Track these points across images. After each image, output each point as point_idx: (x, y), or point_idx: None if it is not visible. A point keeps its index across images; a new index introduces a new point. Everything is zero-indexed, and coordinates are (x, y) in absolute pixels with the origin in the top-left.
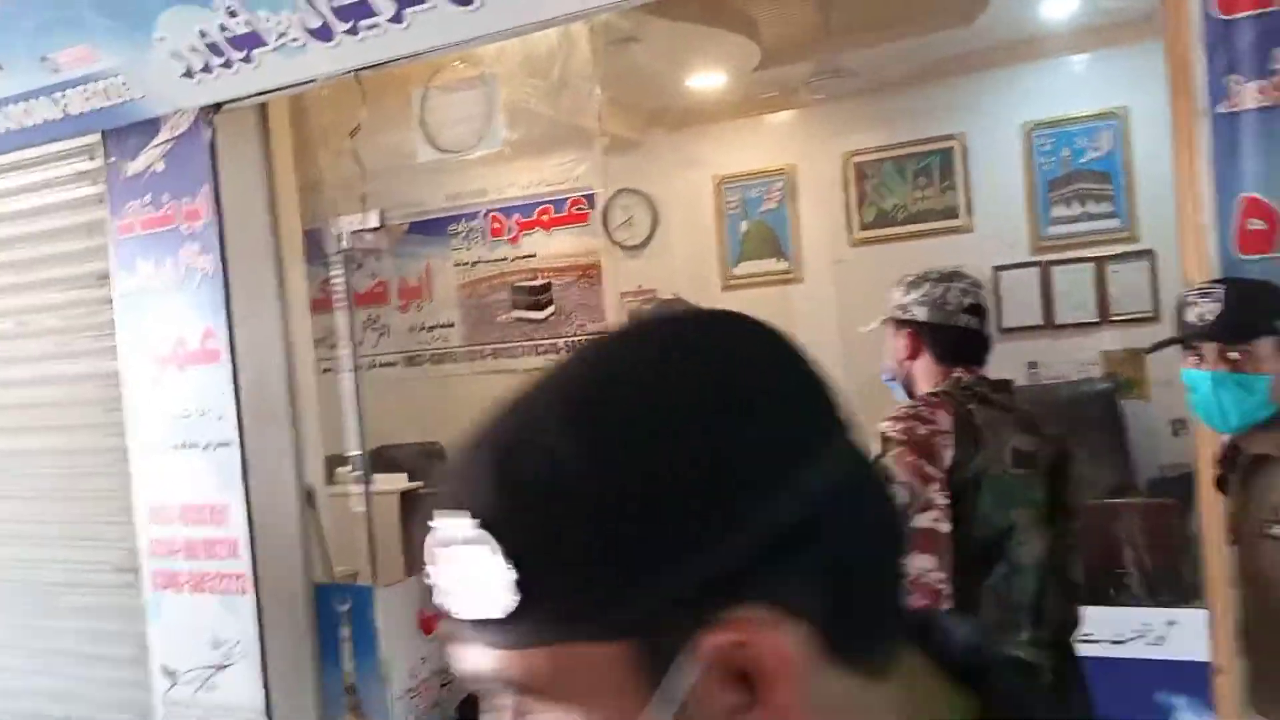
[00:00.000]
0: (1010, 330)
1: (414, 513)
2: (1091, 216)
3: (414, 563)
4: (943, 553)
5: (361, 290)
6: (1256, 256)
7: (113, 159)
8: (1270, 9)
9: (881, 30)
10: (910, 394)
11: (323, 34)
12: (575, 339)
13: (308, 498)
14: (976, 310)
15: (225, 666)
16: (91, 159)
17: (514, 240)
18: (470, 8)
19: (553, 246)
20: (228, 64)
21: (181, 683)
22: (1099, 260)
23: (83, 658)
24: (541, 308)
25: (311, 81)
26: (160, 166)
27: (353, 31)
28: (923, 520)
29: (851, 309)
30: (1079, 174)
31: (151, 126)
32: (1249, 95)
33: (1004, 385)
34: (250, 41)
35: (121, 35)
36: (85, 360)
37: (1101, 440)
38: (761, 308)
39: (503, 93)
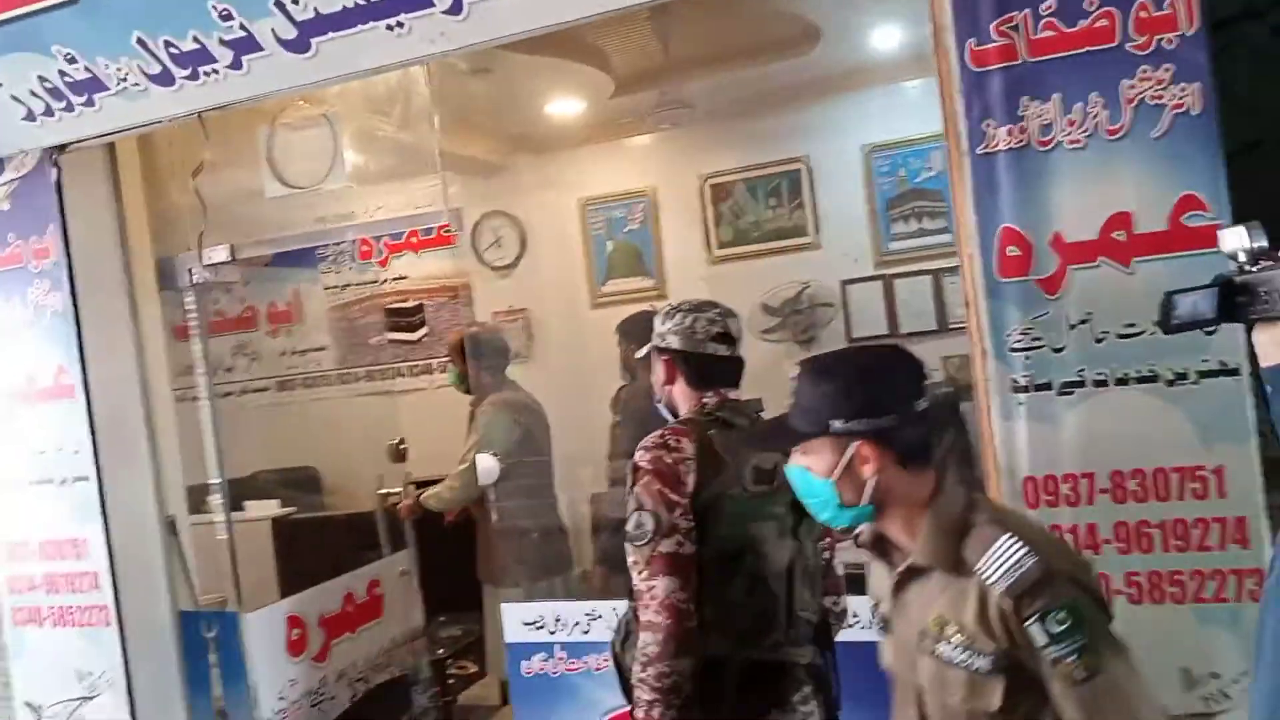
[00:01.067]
0: (859, 339)
1: (287, 537)
2: (927, 232)
3: (287, 586)
4: (686, 573)
5: (231, 315)
6: (1015, 279)
7: None
8: (1016, 62)
9: (723, 60)
10: (674, 415)
11: (164, 79)
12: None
13: (170, 527)
14: (724, 338)
15: (91, 698)
16: None
17: (383, 263)
18: (305, 55)
19: (423, 268)
20: (69, 107)
21: (46, 718)
22: (936, 273)
23: None
24: (414, 329)
25: (156, 123)
26: (6, 206)
27: (193, 77)
28: (666, 545)
29: None
30: (915, 192)
31: None
32: (1001, 139)
33: (752, 406)
34: (91, 86)
35: None
36: None
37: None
38: None
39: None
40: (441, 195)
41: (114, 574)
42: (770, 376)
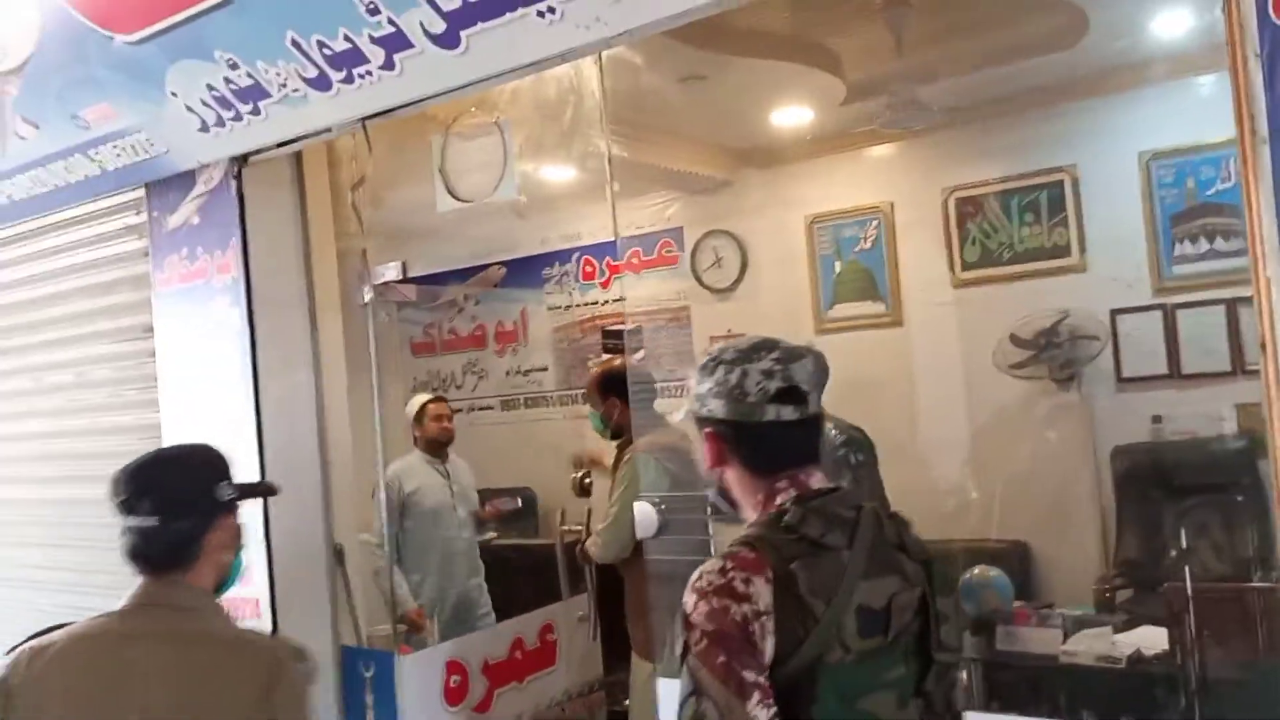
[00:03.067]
0: (1130, 380)
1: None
2: (1220, 254)
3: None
4: None
5: (464, 334)
6: None
7: (155, 213)
8: None
9: (971, 58)
10: (732, 508)
11: (320, 83)
12: (665, 384)
13: (337, 556)
14: (791, 395)
15: None
16: (138, 213)
17: (605, 284)
18: (456, 51)
19: (642, 289)
20: (238, 116)
21: None
22: (1230, 302)
23: None
24: (631, 352)
25: (326, 131)
26: (196, 220)
27: (349, 80)
28: None
29: (956, 353)
30: (1205, 207)
31: (188, 179)
32: None
33: (848, 500)
34: (254, 94)
35: (136, 92)
36: (132, 412)
37: (1238, 506)
38: (858, 352)
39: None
40: (655, 216)
41: (273, 602)
42: (1022, 420)
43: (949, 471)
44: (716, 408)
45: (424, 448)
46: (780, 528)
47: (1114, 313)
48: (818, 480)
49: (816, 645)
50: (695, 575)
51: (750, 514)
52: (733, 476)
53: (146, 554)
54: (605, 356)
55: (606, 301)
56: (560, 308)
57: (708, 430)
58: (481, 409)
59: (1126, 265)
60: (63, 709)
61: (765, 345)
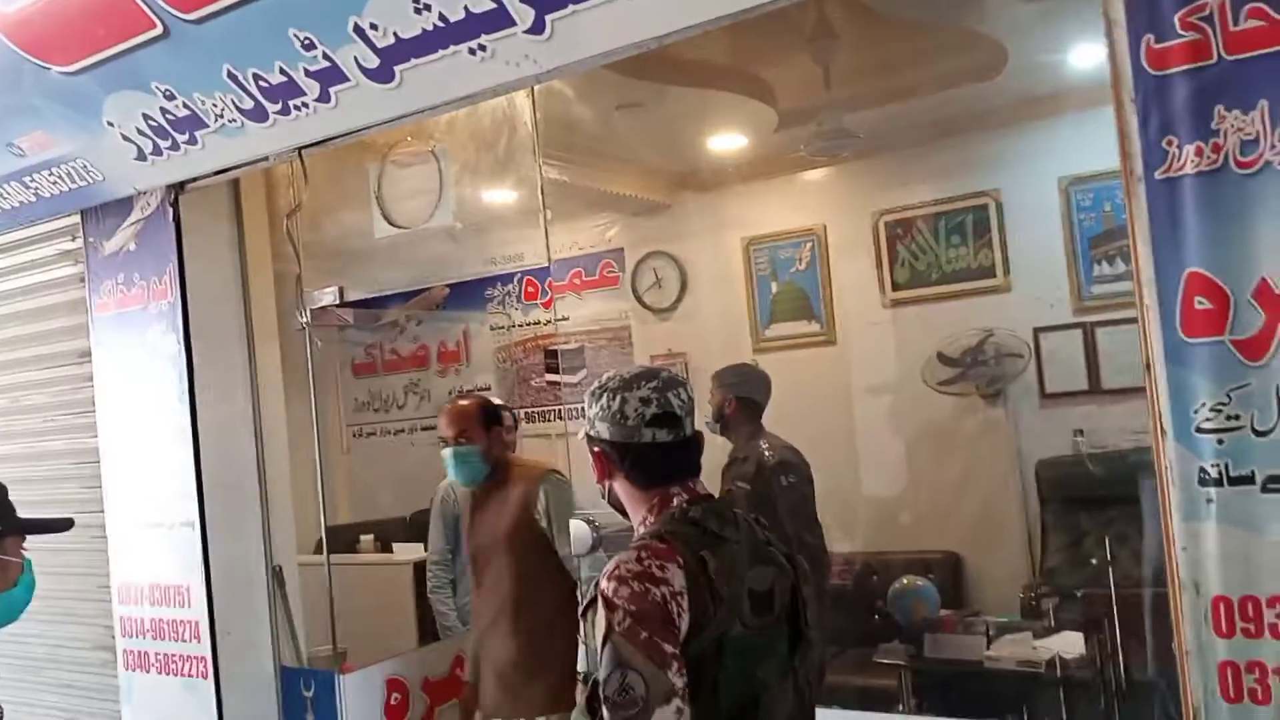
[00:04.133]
0: (1053, 396)
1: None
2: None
3: (425, 632)
4: None
5: (405, 354)
6: (1205, 339)
7: (91, 239)
8: (1209, 62)
9: (897, 88)
10: (624, 516)
11: (257, 114)
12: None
13: (276, 577)
14: (666, 420)
15: None
16: (73, 239)
17: (547, 304)
18: (390, 85)
19: (584, 310)
20: (175, 145)
21: None
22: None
23: None
24: (574, 371)
25: (261, 160)
26: (133, 246)
27: (284, 111)
28: (665, 714)
29: (888, 371)
30: (1122, 230)
31: (125, 206)
32: (1188, 159)
33: (726, 503)
34: (191, 124)
35: (73, 121)
36: (69, 436)
37: (1156, 516)
38: (794, 370)
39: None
40: (596, 237)
41: (213, 625)
42: (951, 435)
43: (883, 485)
44: (602, 430)
45: None
46: (686, 522)
47: (1037, 331)
48: (702, 489)
49: (723, 621)
50: (611, 565)
51: (639, 519)
52: (620, 489)
53: None
54: (549, 377)
55: (549, 322)
56: (503, 328)
57: (596, 449)
58: (425, 429)
59: (1048, 285)
60: None
61: (646, 375)
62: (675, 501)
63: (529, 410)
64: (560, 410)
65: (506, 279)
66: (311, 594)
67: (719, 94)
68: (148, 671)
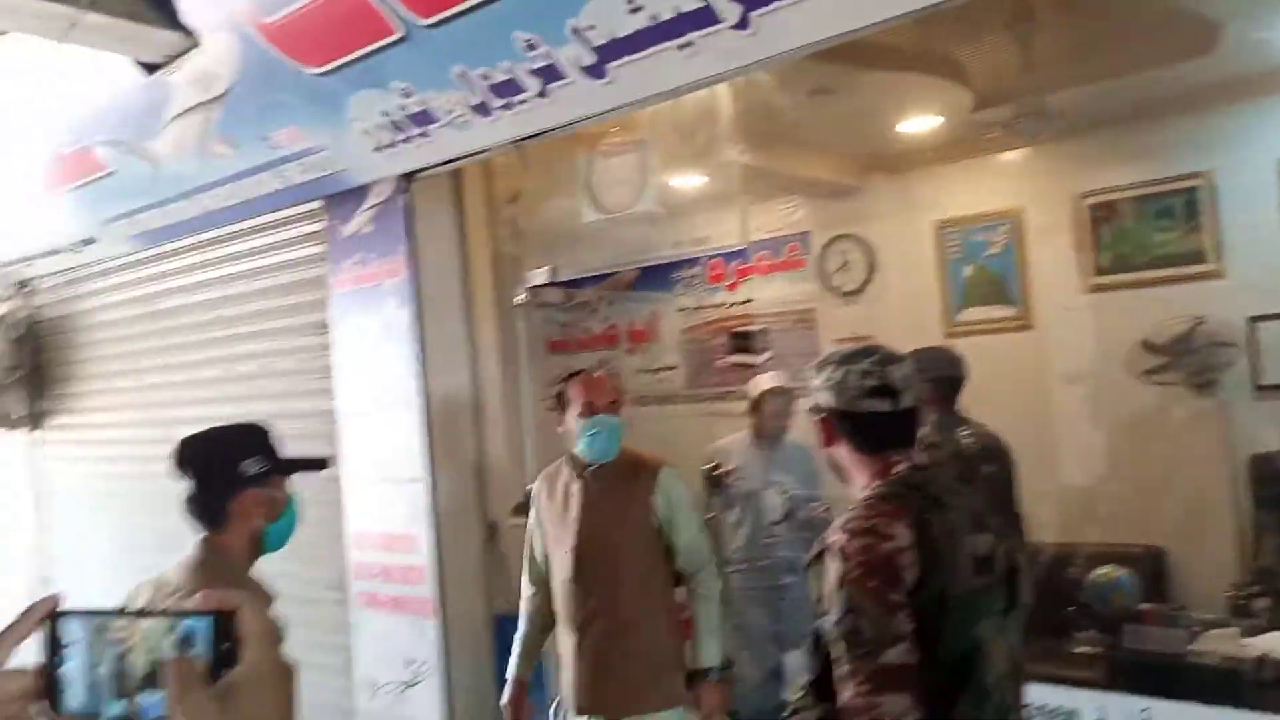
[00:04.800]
0: (1269, 388)
1: None
2: None
3: None
4: (916, 689)
5: (597, 333)
6: None
7: (332, 222)
8: None
9: (1101, 67)
10: (844, 481)
11: (482, 110)
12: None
13: (490, 531)
14: (883, 391)
15: (416, 683)
16: (316, 222)
17: (732, 287)
18: (603, 80)
19: (769, 292)
20: (408, 139)
21: (379, 695)
22: None
23: (302, 665)
24: (757, 353)
25: (482, 152)
26: (368, 229)
27: (507, 107)
28: (892, 655)
29: (1088, 358)
30: None
31: (361, 193)
32: None
33: (946, 474)
34: (425, 119)
35: (321, 117)
36: (310, 399)
37: None
38: (987, 356)
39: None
40: (782, 220)
41: (439, 571)
42: (1156, 427)
43: (1080, 475)
44: (826, 399)
45: (756, 431)
46: (908, 486)
47: (1252, 320)
48: (920, 458)
49: (945, 578)
50: (842, 521)
51: (861, 483)
52: (843, 454)
53: (188, 516)
54: (732, 358)
55: (734, 304)
56: (689, 309)
57: (820, 417)
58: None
59: (1265, 272)
60: None
61: (866, 351)
62: (897, 468)
63: (714, 390)
64: (741, 391)
65: (694, 262)
66: (514, 552)
67: (913, 76)
68: (378, 610)
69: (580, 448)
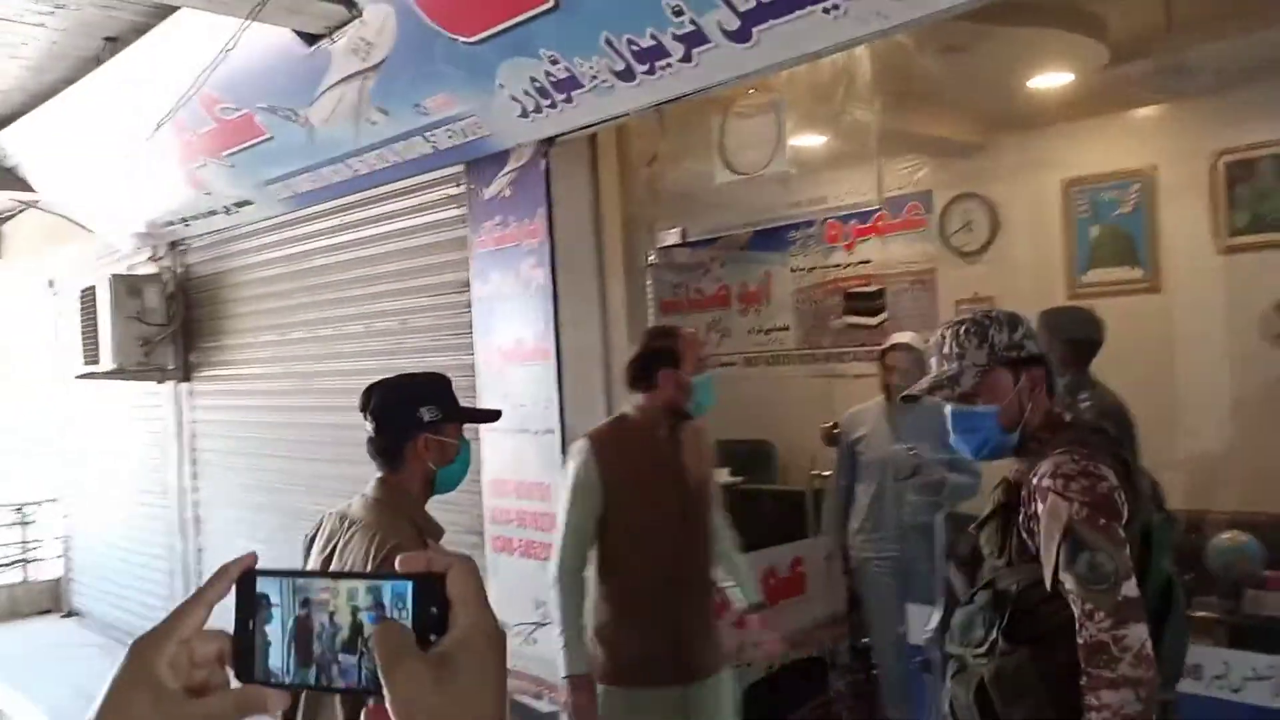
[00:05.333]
0: None
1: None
2: None
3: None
4: (1145, 619)
5: (708, 294)
6: None
7: (473, 185)
8: None
9: (1246, 20)
10: (999, 446)
11: (626, 75)
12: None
13: None
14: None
15: (543, 625)
16: (458, 186)
17: (849, 247)
18: (747, 44)
19: (887, 252)
20: (554, 104)
21: (511, 635)
22: None
23: None
24: (874, 314)
25: (623, 115)
26: (508, 192)
27: (650, 72)
28: (1128, 588)
29: (1219, 321)
30: None
31: (502, 158)
32: None
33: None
34: (570, 85)
35: (471, 84)
36: (450, 354)
37: None
38: (1113, 318)
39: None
40: (903, 179)
41: None
42: None
43: (1206, 441)
44: (1031, 347)
45: (886, 394)
46: (1092, 431)
47: None
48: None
49: (1143, 514)
50: (1049, 466)
51: (1038, 431)
52: (1037, 404)
53: (370, 455)
54: (848, 319)
55: (850, 264)
56: (803, 270)
57: (1032, 369)
58: (724, 365)
59: None
60: (315, 556)
61: (1009, 313)
62: (1065, 416)
63: (828, 350)
64: (857, 352)
65: (809, 222)
66: None
67: (1047, 32)
68: (511, 554)
69: (696, 401)
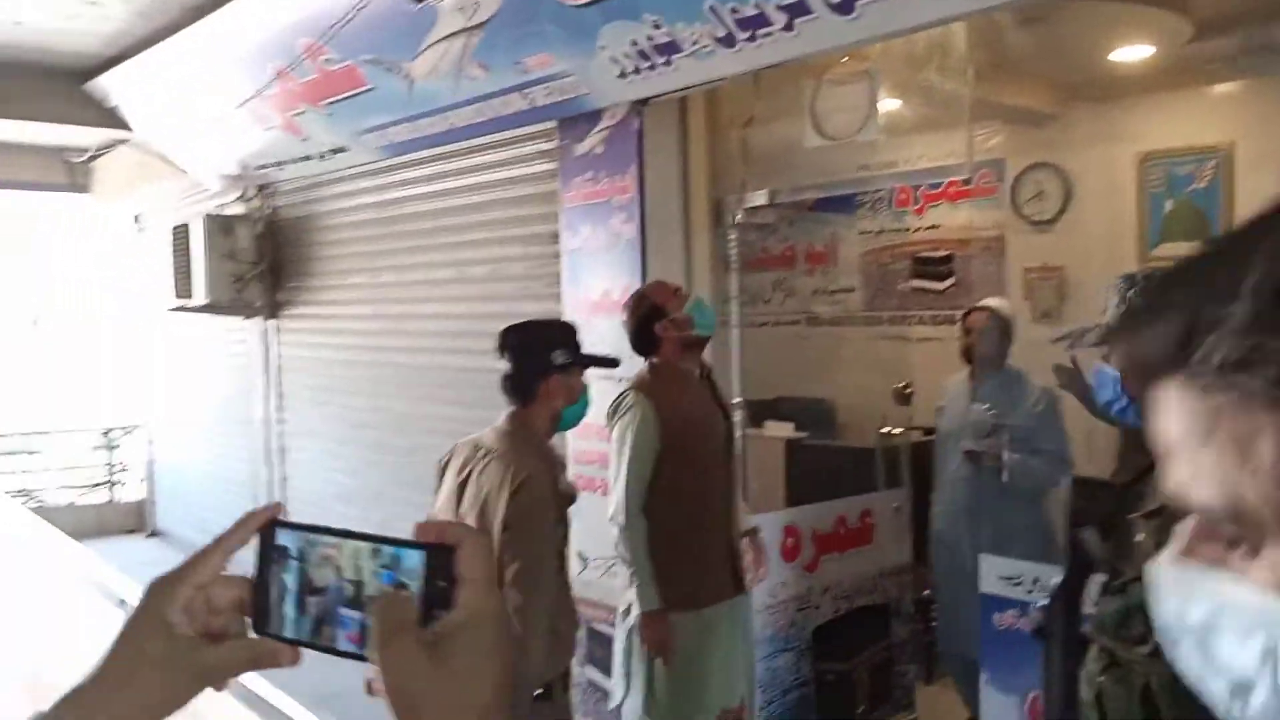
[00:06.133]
0: None
1: (796, 458)
2: None
3: (790, 500)
4: None
5: (774, 253)
6: None
7: (565, 142)
8: None
9: None
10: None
11: (727, 42)
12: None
13: None
14: None
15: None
16: (550, 141)
17: (919, 211)
18: (849, 17)
19: (957, 219)
20: (652, 67)
21: (590, 568)
22: None
23: None
24: (941, 279)
25: (720, 80)
26: (600, 149)
27: (751, 39)
28: None
29: None
30: None
31: (595, 116)
32: None
33: None
34: (670, 49)
35: (573, 45)
36: (539, 303)
37: None
38: None
39: (895, 75)
40: (976, 147)
41: None
42: None
43: None
44: None
45: (965, 354)
46: None
47: None
48: None
49: None
50: None
51: None
52: None
53: (503, 390)
54: (915, 283)
55: (918, 229)
56: (871, 232)
57: None
58: (788, 324)
59: None
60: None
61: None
62: None
63: (892, 313)
64: (923, 316)
65: (880, 184)
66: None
67: (1131, 5)
68: (594, 492)
69: (698, 329)
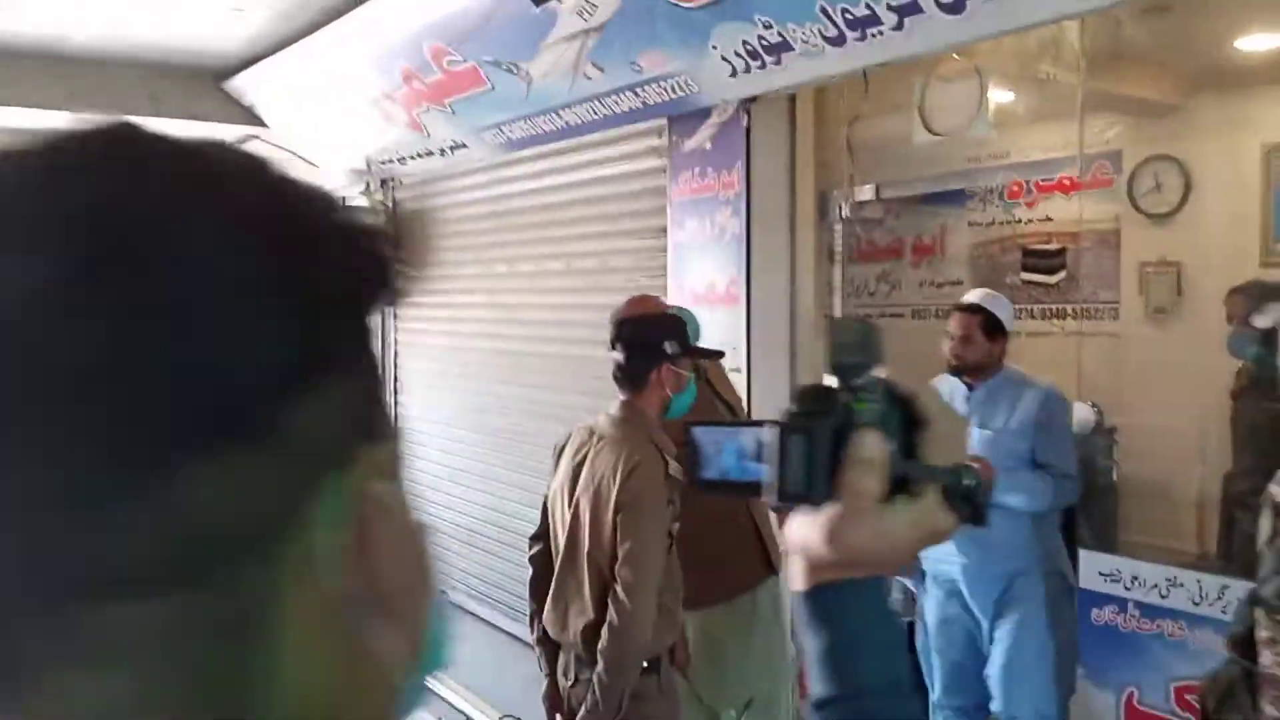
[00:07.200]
0: None
1: None
2: None
3: None
4: None
5: (880, 245)
6: None
7: (674, 138)
8: None
9: None
10: None
11: (837, 41)
12: (1085, 305)
13: None
14: None
15: None
16: (659, 137)
17: (1031, 204)
18: (960, 15)
19: (1071, 211)
20: (763, 65)
21: None
22: None
23: None
24: (1053, 272)
25: (829, 78)
26: (708, 145)
27: (861, 38)
28: None
29: None
30: None
31: (704, 113)
32: None
33: None
34: (780, 48)
35: (687, 44)
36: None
37: None
38: None
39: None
40: (1093, 139)
41: None
42: None
43: None
44: None
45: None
46: None
47: None
48: None
49: None
50: None
51: None
52: None
53: (616, 378)
54: (1025, 276)
55: (1030, 221)
56: (981, 224)
57: None
58: (891, 315)
59: None
60: (566, 464)
61: None
62: None
63: None
64: (1032, 310)
65: (990, 176)
66: None
67: None
68: None
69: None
